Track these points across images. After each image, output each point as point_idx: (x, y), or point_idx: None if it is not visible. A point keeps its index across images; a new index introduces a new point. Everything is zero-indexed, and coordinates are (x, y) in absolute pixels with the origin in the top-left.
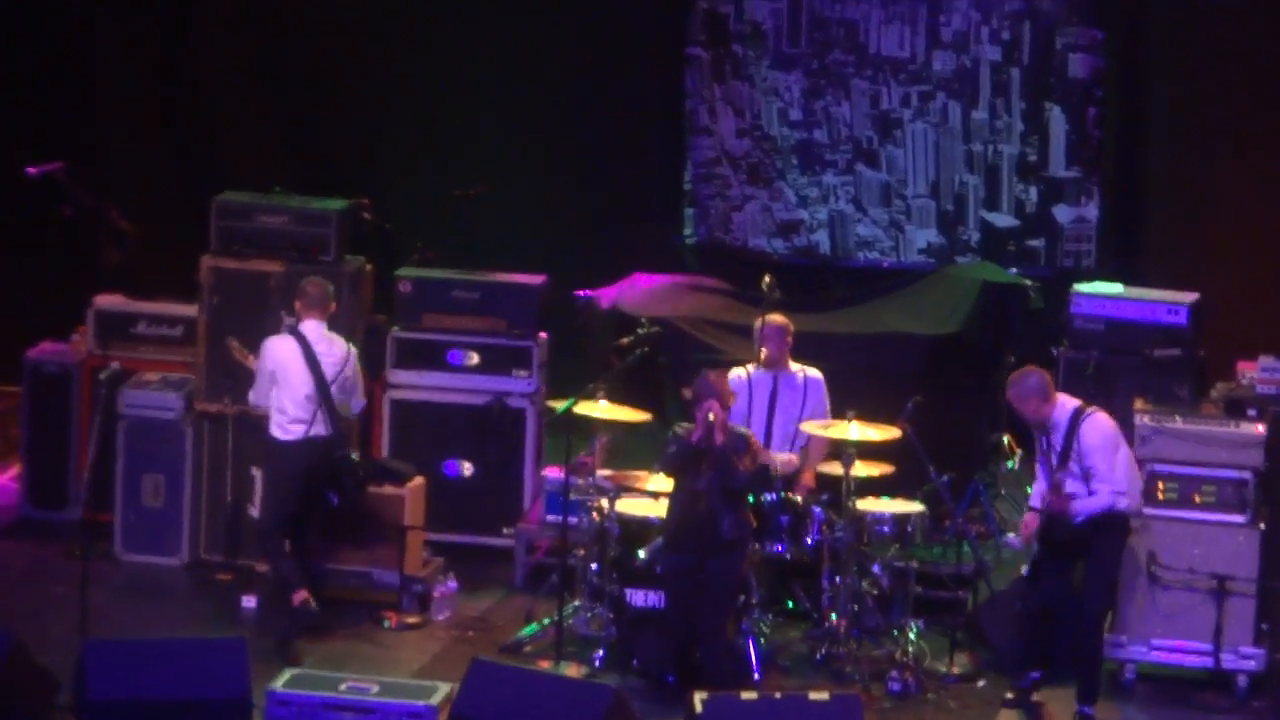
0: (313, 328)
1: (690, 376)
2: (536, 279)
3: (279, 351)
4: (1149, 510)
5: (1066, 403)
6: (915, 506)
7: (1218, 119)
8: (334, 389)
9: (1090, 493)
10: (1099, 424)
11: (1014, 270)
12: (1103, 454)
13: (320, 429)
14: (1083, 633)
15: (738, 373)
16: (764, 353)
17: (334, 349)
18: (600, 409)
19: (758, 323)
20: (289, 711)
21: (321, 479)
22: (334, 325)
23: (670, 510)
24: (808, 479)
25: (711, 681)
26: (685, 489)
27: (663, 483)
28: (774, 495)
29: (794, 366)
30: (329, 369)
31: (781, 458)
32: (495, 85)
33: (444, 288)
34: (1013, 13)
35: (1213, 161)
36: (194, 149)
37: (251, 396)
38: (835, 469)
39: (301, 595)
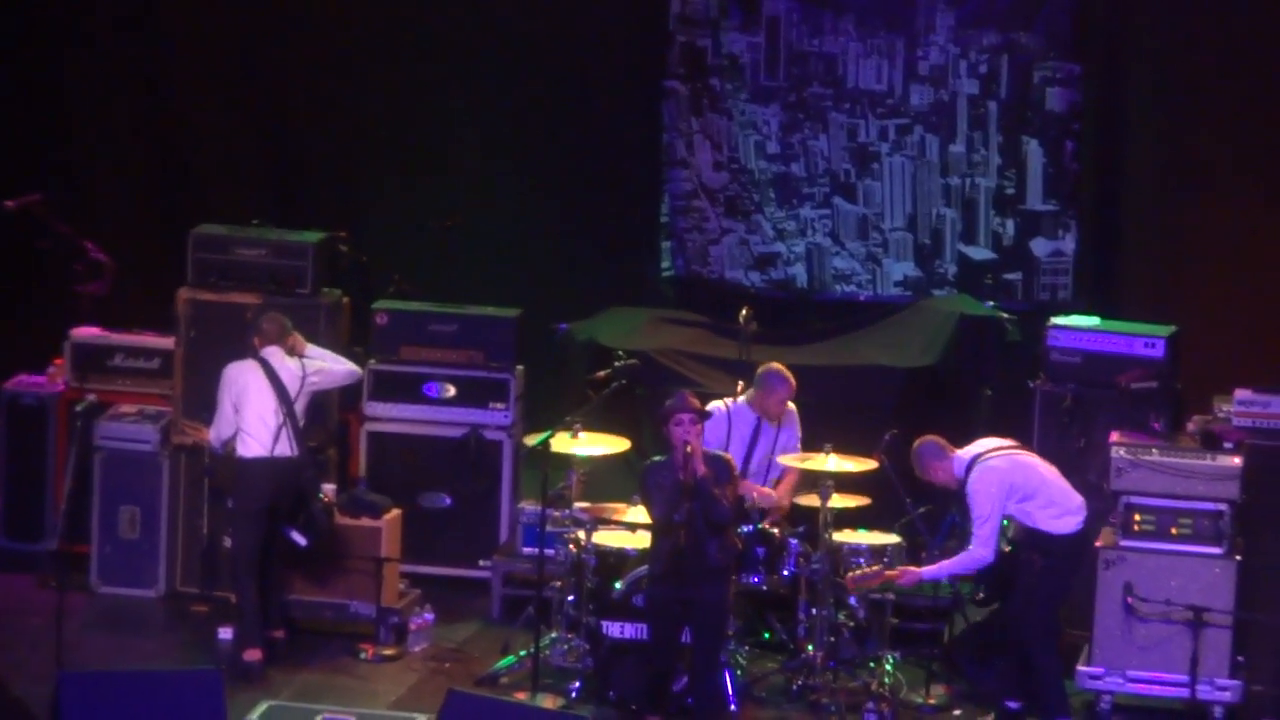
0: (273, 352)
1: (659, 409)
2: (513, 312)
3: (239, 374)
4: (1125, 542)
5: (969, 453)
6: (892, 538)
7: (1195, 153)
8: (298, 406)
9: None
10: (988, 470)
11: (991, 303)
12: (983, 500)
13: (285, 448)
14: (1022, 652)
15: (717, 405)
16: (766, 403)
17: (291, 366)
18: (577, 441)
19: (766, 369)
20: None
21: (288, 505)
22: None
23: (652, 541)
24: (783, 504)
25: (701, 715)
26: (664, 520)
27: (640, 514)
28: (750, 527)
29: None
30: (290, 387)
31: (759, 491)
32: (473, 117)
33: (421, 320)
34: (990, 47)
35: (1189, 195)
36: (171, 181)
37: (211, 434)
38: (812, 501)
39: (254, 654)
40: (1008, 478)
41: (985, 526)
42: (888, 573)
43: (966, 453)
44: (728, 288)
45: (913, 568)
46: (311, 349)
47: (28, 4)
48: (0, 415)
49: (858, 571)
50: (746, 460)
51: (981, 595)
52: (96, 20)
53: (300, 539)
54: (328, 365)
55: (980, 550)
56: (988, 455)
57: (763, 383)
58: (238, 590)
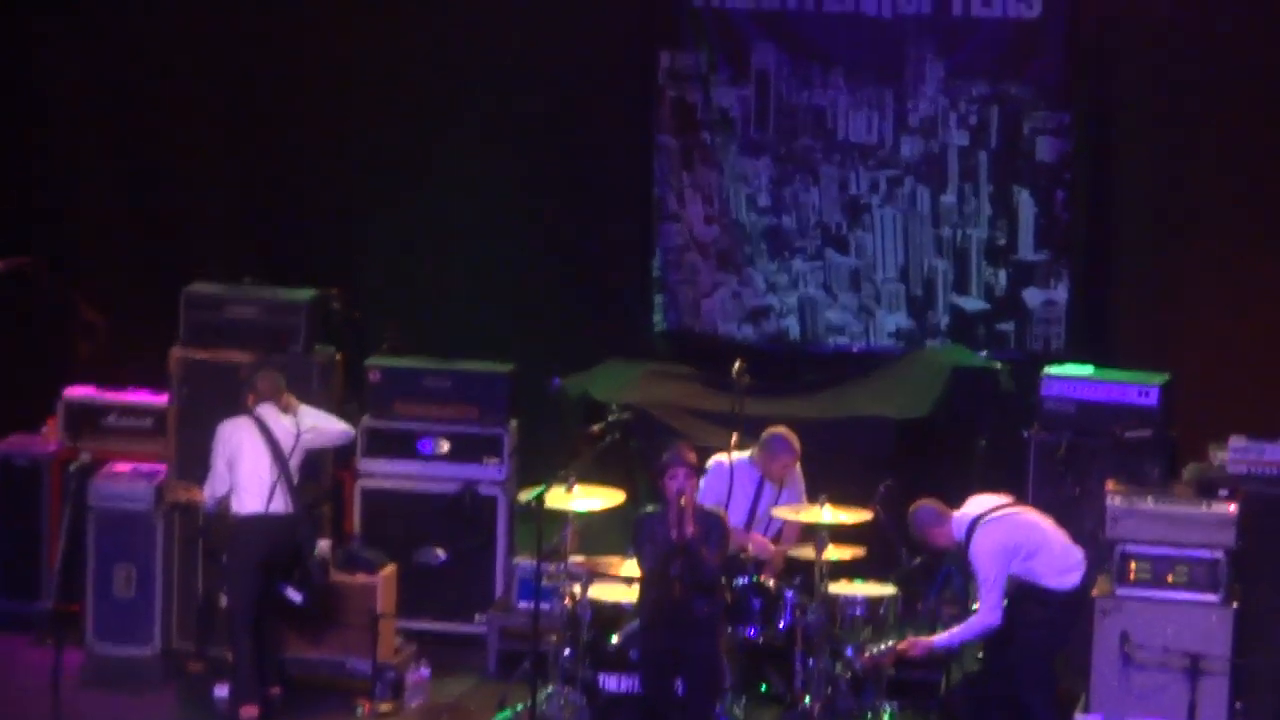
0: (267, 409)
1: (655, 462)
2: (506, 367)
3: (233, 431)
4: (1121, 590)
5: (967, 515)
6: (888, 589)
7: (1186, 200)
8: (293, 463)
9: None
10: (990, 533)
11: (984, 353)
12: (988, 564)
13: (280, 505)
14: (1019, 702)
15: (719, 459)
16: (770, 467)
17: (285, 425)
18: (572, 495)
19: (772, 433)
20: None
21: (284, 562)
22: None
23: (642, 594)
24: (778, 561)
25: None
26: (654, 573)
27: (635, 568)
28: (746, 578)
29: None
30: (284, 444)
31: (755, 541)
32: (465, 173)
33: (414, 376)
34: (980, 97)
35: (1181, 242)
36: (162, 240)
37: (206, 491)
38: (808, 552)
39: (250, 711)
40: (1010, 539)
41: (992, 593)
42: (899, 646)
43: (965, 514)
44: (720, 341)
45: (923, 639)
46: (304, 409)
47: (10, 59)
48: None
49: (870, 654)
50: (750, 516)
51: (980, 653)
52: (83, 75)
53: (296, 595)
54: (321, 424)
55: (988, 616)
56: (988, 517)
57: (766, 446)
58: (234, 647)
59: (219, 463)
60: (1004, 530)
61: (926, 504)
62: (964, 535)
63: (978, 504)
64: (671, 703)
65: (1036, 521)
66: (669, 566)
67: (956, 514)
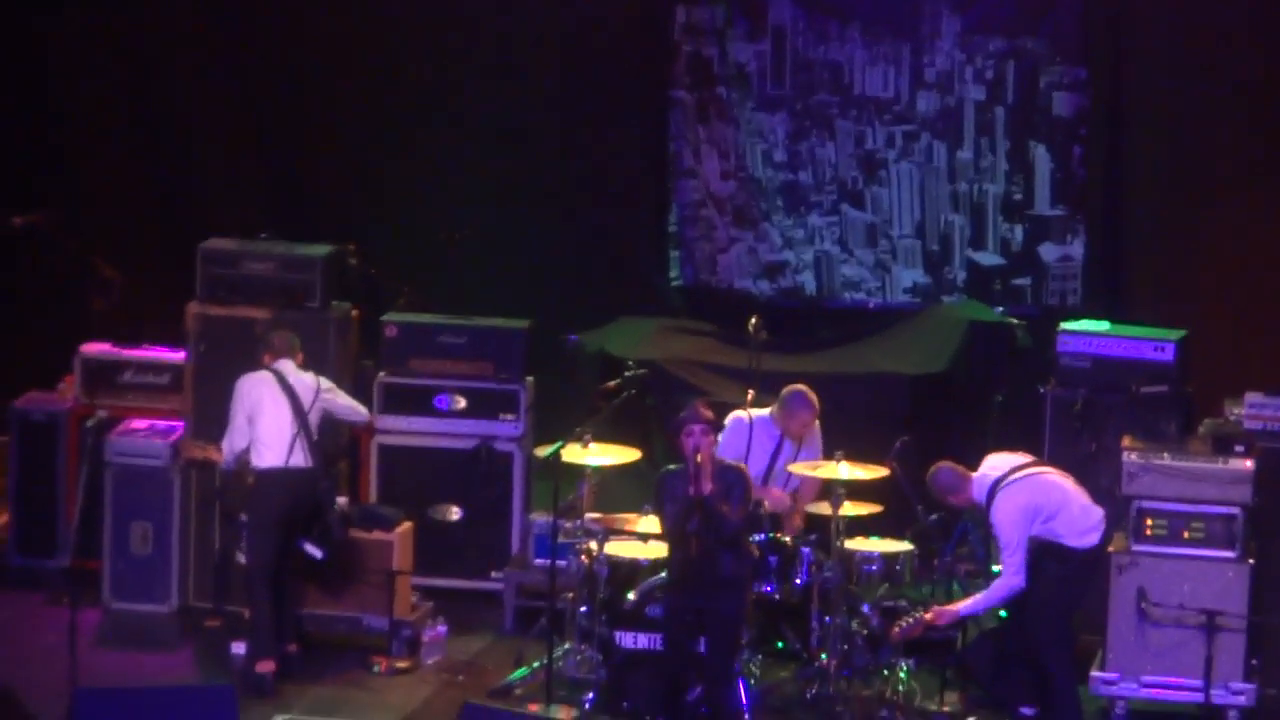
0: (285, 364)
1: (672, 419)
2: (523, 323)
3: (253, 386)
4: (1138, 547)
5: (987, 477)
6: (904, 546)
7: (1203, 155)
8: (312, 419)
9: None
10: (1011, 496)
11: (1000, 309)
12: (1009, 528)
13: (299, 459)
14: (1036, 659)
15: (739, 415)
16: (789, 425)
17: (305, 380)
18: (588, 451)
19: (791, 391)
20: None
21: (304, 517)
22: (323, 371)
23: (669, 550)
24: (797, 520)
25: None
26: (674, 531)
27: (651, 524)
28: (763, 535)
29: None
30: (304, 399)
31: (773, 495)
32: (480, 128)
33: (430, 332)
34: (996, 52)
35: (1198, 198)
36: (178, 196)
37: (225, 445)
38: (824, 509)
39: (267, 665)
40: (1031, 501)
41: (1015, 555)
42: (926, 616)
43: (985, 475)
44: (736, 296)
45: (949, 607)
46: (323, 380)
47: (28, 21)
48: (11, 432)
49: (900, 625)
50: (768, 473)
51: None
52: (98, 37)
53: (316, 551)
54: (338, 391)
55: (1013, 579)
56: (1009, 480)
57: (786, 404)
58: (252, 603)
59: (239, 417)
60: (1026, 492)
61: (945, 467)
62: (985, 497)
63: (997, 464)
64: (692, 661)
65: (1057, 482)
66: (686, 523)
67: (976, 475)
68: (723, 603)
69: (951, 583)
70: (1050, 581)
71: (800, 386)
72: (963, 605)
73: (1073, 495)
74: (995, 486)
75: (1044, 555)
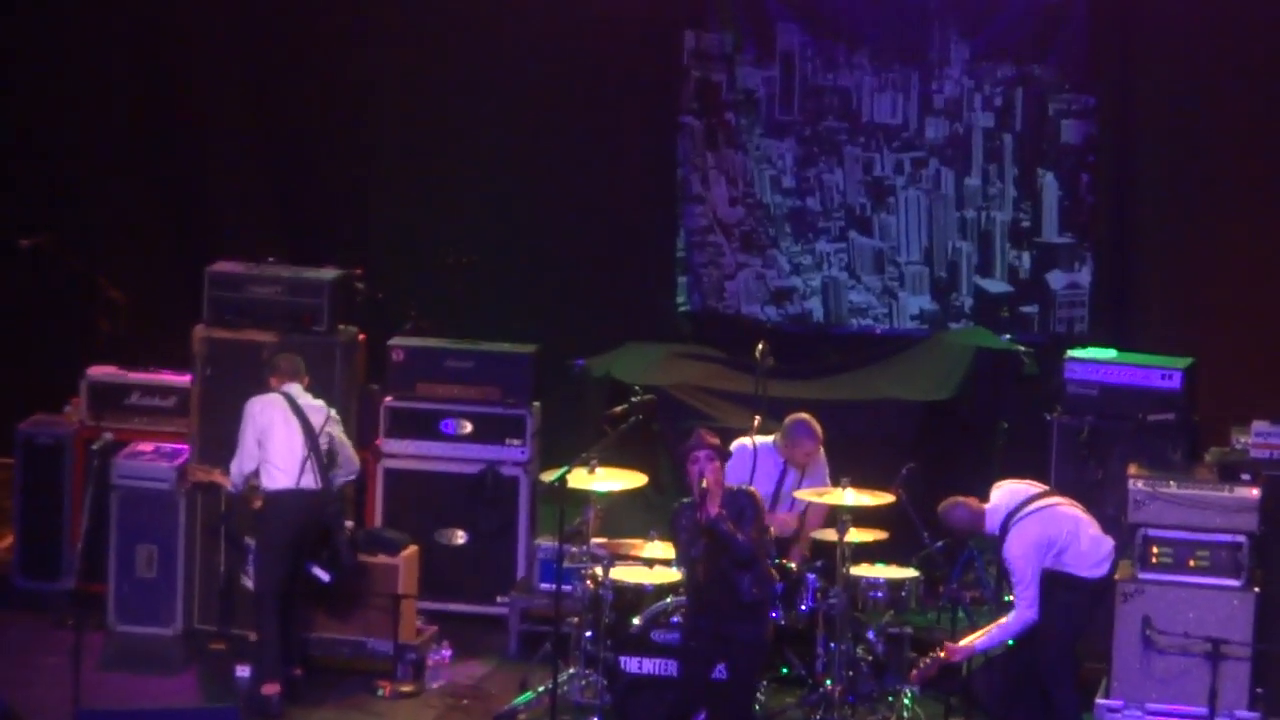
0: (294, 388)
1: (678, 448)
2: (529, 348)
3: (263, 408)
4: (1143, 574)
5: (999, 510)
6: (910, 572)
7: (1210, 183)
8: (321, 441)
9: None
10: (1024, 531)
11: (1007, 336)
12: (1023, 562)
13: (310, 481)
14: (1042, 685)
15: (743, 443)
16: (793, 454)
17: (315, 404)
18: (594, 477)
19: (794, 420)
20: None
21: (312, 540)
22: (329, 394)
23: (685, 579)
24: (803, 548)
25: None
26: (684, 558)
27: (657, 550)
28: (768, 561)
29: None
30: (315, 421)
31: (780, 518)
32: (488, 153)
33: (437, 357)
34: (1005, 79)
35: (1205, 226)
36: (186, 219)
37: (233, 468)
38: (830, 535)
39: (273, 688)
40: (1044, 535)
41: (1029, 590)
42: (942, 655)
43: (997, 507)
44: (744, 322)
45: (962, 643)
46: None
47: (34, 36)
48: (17, 454)
49: (917, 670)
50: (774, 501)
51: (1008, 599)
52: (108, 56)
53: (324, 575)
54: (344, 440)
55: (1027, 612)
56: (1022, 514)
57: (789, 433)
58: (261, 625)
59: (248, 440)
60: (1038, 527)
61: (959, 505)
62: (997, 529)
63: (1008, 495)
64: (707, 689)
65: (1069, 513)
66: (692, 548)
67: (989, 506)
68: (743, 630)
69: (957, 609)
70: (1059, 610)
71: (803, 416)
72: (977, 640)
73: (1084, 526)
74: (1008, 521)
75: (1054, 585)
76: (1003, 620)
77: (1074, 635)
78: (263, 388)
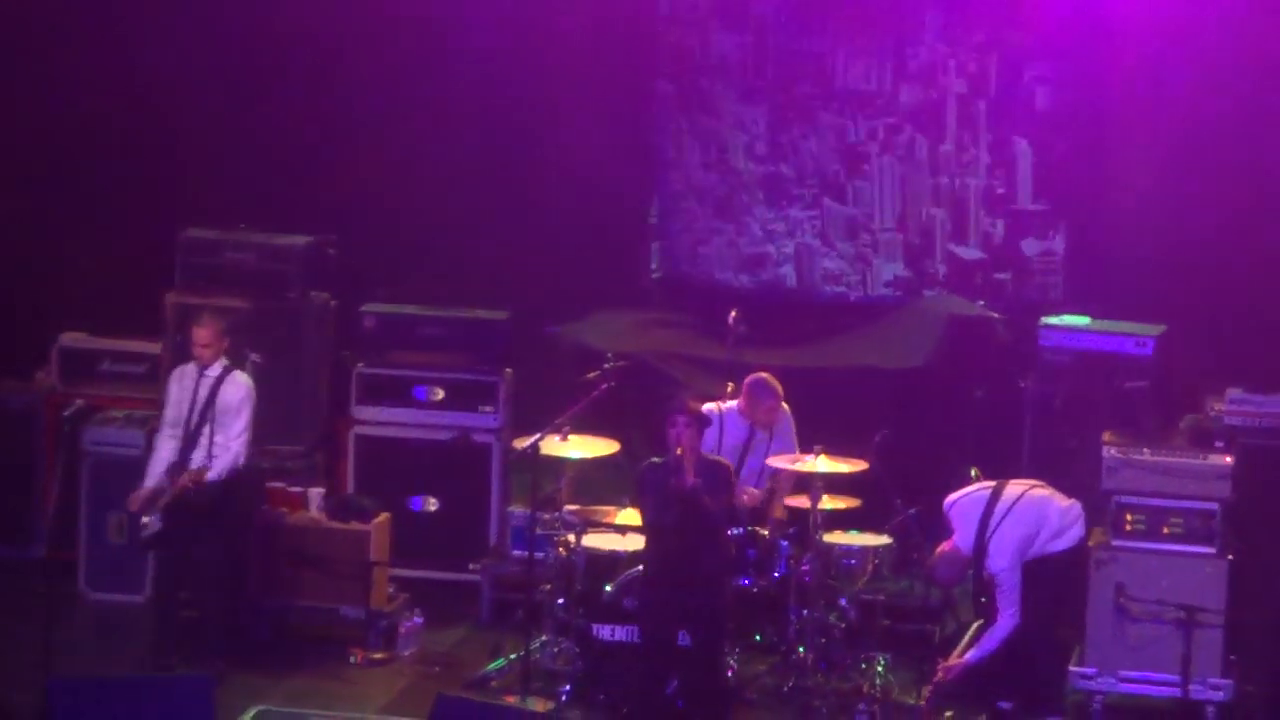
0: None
1: (657, 410)
2: (502, 314)
3: (252, 388)
4: (1117, 542)
5: (966, 533)
6: (882, 540)
7: (1184, 152)
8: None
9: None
10: (1002, 542)
11: (981, 303)
12: (1009, 573)
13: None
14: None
15: (710, 408)
16: (756, 413)
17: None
18: (566, 444)
19: (752, 379)
20: None
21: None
22: (301, 361)
23: (646, 544)
24: (777, 511)
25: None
26: (655, 524)
27: (629, 517)
28: (740, 529)
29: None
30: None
31: (748, 493)
32: (460, 119)
33: (409, 324)
34: (979, 45)
35: (1179, 194)
36: (158, 185)
37: (244, 453)
38: (803, 502)
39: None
40: (1023, 537)
41: (1013, 594)
42: (937, 679)
43: (963, 530)
44: (717, 289)
45: (956, 662)
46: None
47: (9, 8)
48: None
49: (923, 701)
50: (740, 464)
51: (984, 599)
52: (79, 24)
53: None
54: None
55: (1012, 620)
56: (991, 524)
57: (749, 392)
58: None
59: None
60: (1015, 530)
61: (937, 564)
62: (971, 550)
63: (965, 513)
64: (672, 655)
65: (1033, 498)
66: (665, 515)
67: (956, 536)
68: (704, 597)
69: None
70: (1042, 592)
71: (762, 374)
72: (971, 655)
73: (1050, 504)
74: (981, 536)
75: (1034, 570)
76: (990, 630)
77: (1056, 606)
78: (242, 352)
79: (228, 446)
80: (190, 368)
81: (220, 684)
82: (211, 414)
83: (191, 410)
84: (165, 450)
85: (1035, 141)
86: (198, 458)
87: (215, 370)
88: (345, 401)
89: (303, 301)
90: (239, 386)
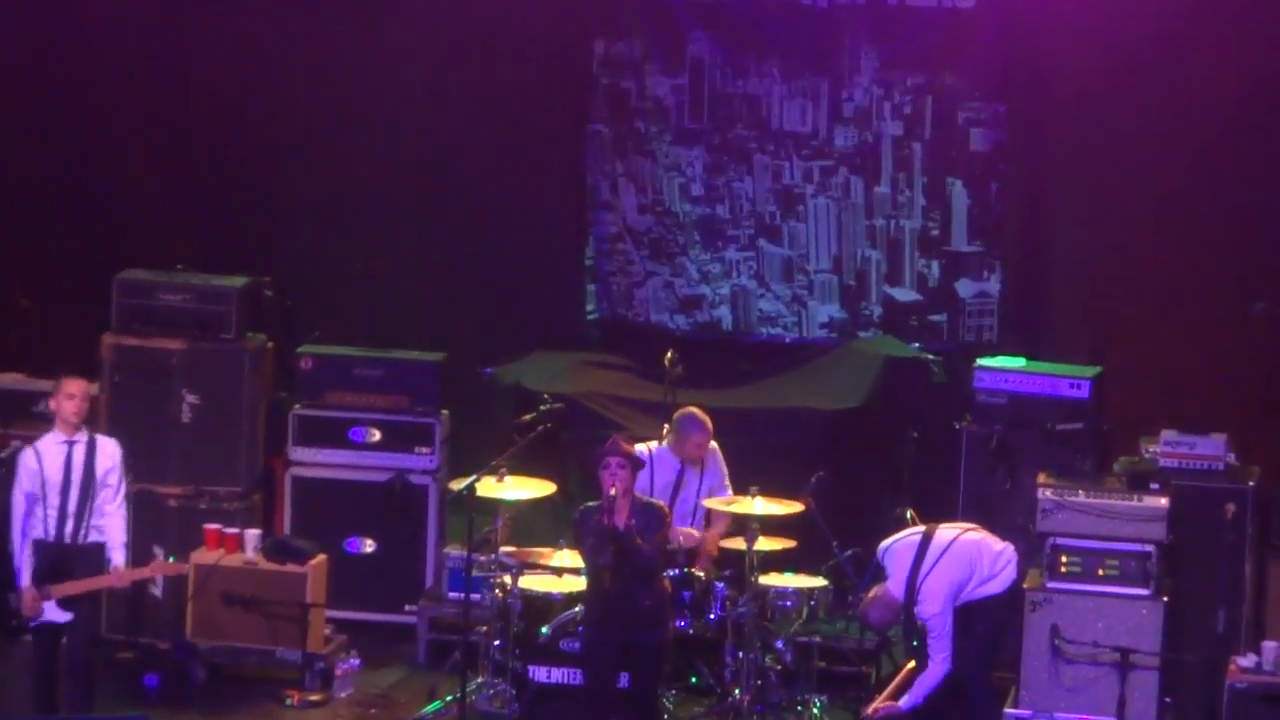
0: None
1: (593, 452)
2: (438, 356)
3: None
4: (1052, 584)
5: (898, 579)
6: (818, 581)
7: (1119, 194)
8: None
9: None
10: (933, 587)
11: (916, 345)
12: (941, 618)
13: None
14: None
15: (640, 448)
16: (685, 448)
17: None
18: (503, 485)
19: (681, 414)
20: None
21: None
22: (237, 402)
23: (587, 586)
24: (712, 549)
25: None
26: (591, 565)
27: (566, 559)
28: (676, 571)
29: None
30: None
31: (684, 532)
32: (396, 160)
33: (345, 365)
34: (915, 87)
35: (1114, 235)
36: (94, 226)
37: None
38: (738, 544)
39: None
40: (954, 582)
41: (945, 639)
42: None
43: (894, 575)
44: (653, 330)
45: (881, 703)
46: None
47: None
48: None
49: None
50: (671, 504)
51: (915, 643)
52: (12, 62)
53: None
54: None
55: (944, 665)
56: (923, 570)
57: (679, 428)
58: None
59: None
60: (947, 575)
61: (869, 608)
62: (903, 595)
63: (899, 558)
64: (613, 697)
65: (966, 542)
66: (599, 556)
67: (889, 580)
68: (643, 637)
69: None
70: (976, 636)
71: (690, 408)
72: (903, 701)
73: (984, 548)
74: (912, 582)
75: (968, 616)
76: (922, 676)
77: (992, 650)
78: (179, 394)
79: (117, 513)
80: (48, 441)
81: None
82: (92, 485)
83: (67, 483)
84: (33, 536)
85: (970, 183)
86: (74, 530)
87: (82, 437)
88: (282, 443)
89: (239, 343)
90: (115, 449)
